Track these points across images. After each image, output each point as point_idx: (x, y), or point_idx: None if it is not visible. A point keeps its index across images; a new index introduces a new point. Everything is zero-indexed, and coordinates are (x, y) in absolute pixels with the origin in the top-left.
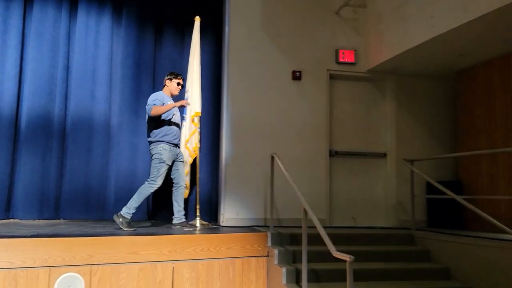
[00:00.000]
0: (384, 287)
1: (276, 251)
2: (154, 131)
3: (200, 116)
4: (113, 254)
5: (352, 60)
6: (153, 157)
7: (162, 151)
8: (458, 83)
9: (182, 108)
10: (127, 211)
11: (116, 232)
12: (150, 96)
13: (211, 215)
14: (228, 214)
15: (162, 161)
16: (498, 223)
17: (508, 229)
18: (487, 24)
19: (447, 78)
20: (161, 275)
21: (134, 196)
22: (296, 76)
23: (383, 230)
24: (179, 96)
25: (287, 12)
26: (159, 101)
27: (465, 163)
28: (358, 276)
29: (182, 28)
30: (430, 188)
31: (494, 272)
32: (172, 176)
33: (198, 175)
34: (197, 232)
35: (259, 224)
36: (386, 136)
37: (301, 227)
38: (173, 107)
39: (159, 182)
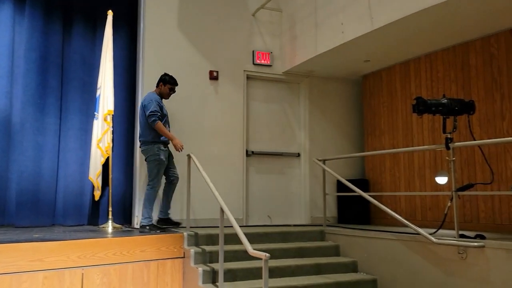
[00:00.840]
0: (297, 282)
1: (192, 252)
2: (150, 131)
3: (113, 114)
4: (13, 262)
5: (268, 62)
6: (149, 158)
7: (159, 151)
8: (365, 87)
9: (93, 106)
10: (145, 220)
11: (17, 238)
12: (146, 99)
13: (125, 217)
14: None
15: (161, 161)
16: (399, 217)
17: (408, 222)
18: (390, 33)
19: (356, 81)
20: (68, 282)
21: (144, 204)
22: (213, 76)
23: (297, 227)
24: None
25: (204, 12)
26: (158, 105)
27: (371, 162)
28: (274, 272)
29: (94, 21)
30: (340, 186)
31: (396, 263)
32: (165, 175)
33: (110, 176)
34: (108, 235)
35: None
36: (300, 137)
37: (218, 227)
38: (169, 136)
39: (159, 182)
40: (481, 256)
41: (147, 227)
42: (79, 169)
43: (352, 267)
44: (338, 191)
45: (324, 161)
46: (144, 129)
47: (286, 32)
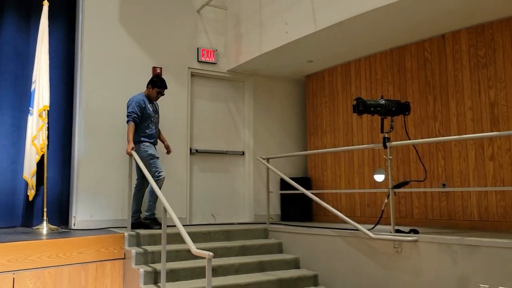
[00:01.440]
0: (241, 280)
1: (133, 253)
2: (137, 132)
3: (48, 110)
4: None
5: (213, 60)
6: (141, 158)
7: (146, 148)
8: (308, 87)
9: (28, 101)
10: (147, 213)
11: None
12: (129, 100)
13: (61, 218)
14: (81, 216)
15: (151, 155)
16: (340, 214)
17: (347, 219)
18: (332, 34)
19: (300, 81)
20: None
21: (148, 198)
22: (157, 72)
23: (241, 225)
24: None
25: (147, 6)
26: (138, 106)
27: (314, 160)
28: (217, 271)
29: (28, 11)
30: (284, 184)
31: (336, 258)
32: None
33: (45, 175)
34: (43, 237)
35: (116, 226)
36: (244, 135)
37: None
38: (128, 138)
39: (163, 174)
40: (415, 250)
41: (148, 220)
42: (11, 168)
43: (295, 264)
44: (281, 189)
45: (268, 159)
46: None
47: (231, 30)
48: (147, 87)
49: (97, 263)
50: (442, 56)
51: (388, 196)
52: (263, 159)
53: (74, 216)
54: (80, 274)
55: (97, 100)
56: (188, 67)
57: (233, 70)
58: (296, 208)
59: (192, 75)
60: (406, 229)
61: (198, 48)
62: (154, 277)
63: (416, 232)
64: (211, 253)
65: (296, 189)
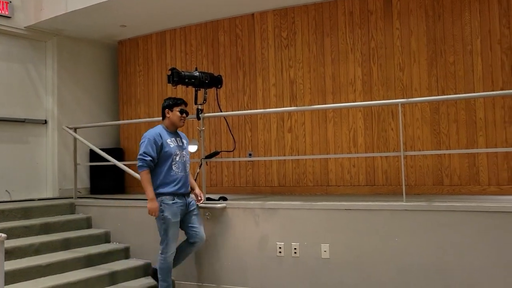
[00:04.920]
0: (41, 260)
1: None
2: (153, 180)
3: None
4: None
5: (7, 13)
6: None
7: (164, 206)
8: (121, 53)
9: None
10: None
11: None
12: (143, 136)
13: None
14: None
15: (166, 219)
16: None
17: None
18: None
19: (112, 46)
20: None
21: (159, 277)
22: None
23: (43, 201)
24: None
25: None
26: (154, 143)
27: (127, 130)
28: (13, 254)
29: None
30: (93, 156)
31: (148, 229)
32: (185, 232)
33: None
34: None
35: None
36: (47, 102)
37: None
38: (147, 193)
39: (172, 246)
40: (224, 215)
41: None
42: None
43: (105, 238)
44: (91, 161)
45: (75, 129)
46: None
47: None
48: (164, 117)
49: None
50: (252, 34)
51: (200, 166)
52: (70, 128)
53: None
54: None
55: None
56: None
57: (32, 28)
58: (107, 181)
59: None
60: (216, 196)
61: None
62: None
63: (225, 199)
64: (3, 235)
65: (107, 160)
